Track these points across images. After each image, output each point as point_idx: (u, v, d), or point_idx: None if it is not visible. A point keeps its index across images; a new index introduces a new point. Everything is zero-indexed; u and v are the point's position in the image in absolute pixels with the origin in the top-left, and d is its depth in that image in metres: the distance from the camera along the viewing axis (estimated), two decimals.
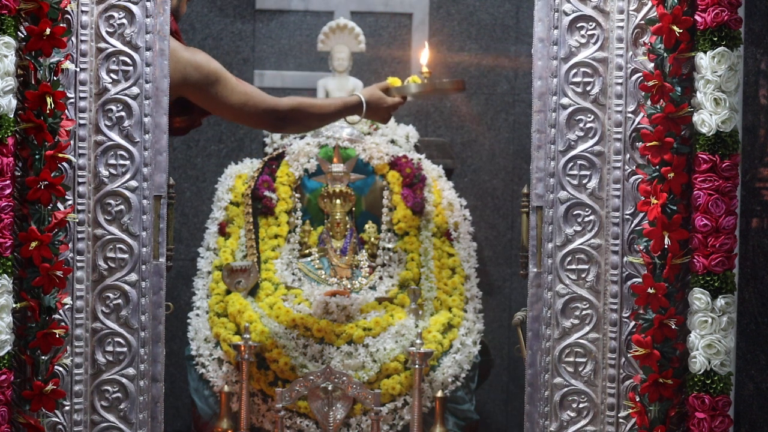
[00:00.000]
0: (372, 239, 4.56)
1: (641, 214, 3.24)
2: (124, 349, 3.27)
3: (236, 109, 3.74)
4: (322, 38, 4.96)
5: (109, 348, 3.27)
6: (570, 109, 3.28)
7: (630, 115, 3.27)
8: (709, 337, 3.15)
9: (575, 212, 3.29)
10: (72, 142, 3.22)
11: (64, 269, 3.16)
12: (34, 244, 3.11)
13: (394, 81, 4.34)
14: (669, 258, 3.18)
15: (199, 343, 4.24)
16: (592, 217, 3.29)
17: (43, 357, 3.15)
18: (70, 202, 3.21)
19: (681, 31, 3.15)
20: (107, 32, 3.25)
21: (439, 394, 4.12)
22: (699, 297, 3.15)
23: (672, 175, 3.17)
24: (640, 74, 3.22)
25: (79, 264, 3.24)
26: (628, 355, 3.26)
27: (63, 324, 3.20)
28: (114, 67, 3.25)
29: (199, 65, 3.68)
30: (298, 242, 4.55)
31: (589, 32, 3.28)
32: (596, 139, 3.28)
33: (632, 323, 3.25)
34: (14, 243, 3.10)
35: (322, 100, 4.10)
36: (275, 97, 3.86)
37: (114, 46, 3.25)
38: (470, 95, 5.40)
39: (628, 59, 3.26)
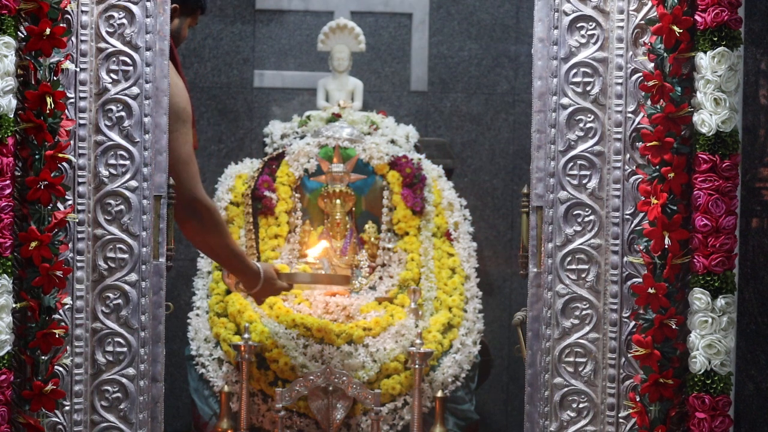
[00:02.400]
0: (372, 239, 4.56)
1: (641, 214, 3.24)
2: (124, 349, 3.27)
3: (175, 160, 3.52)
4: (322, 38, 4.97)
5: (109, 348, 3.27)
6: (570, 109, 3.28)
7: (630, 115, 3.27)
8: (709, 337, 3.15)
9: (575, 212, 3.29)
10: (72, 142, 3.22)
11: (64, 269, 3.15)
12: (34, 244, 3.11)
13: (283, 267, 4.29)
14: (669, 258, 3.17)
15: (199, 343, 4.24)
16: (592, 217, 3.29)
17: (43, 357, 3.15)
18: (70, 202, 3.21)
19: (681, 31, 3.15)
20: (107, 32, 3.25)
21: (439, 394, 4.12)
22: (699, 297, 3.15)
23: (672, 175, 3.17)
24: (640, 74, 3.22)
25: (79, 264, 3.24)
26: (628, 355, 3.26)
27: (63, 324, 3.20)
28: (114, 67, 3.25)
29: (180, 95, 3.59)
30: (298, 242, 4.55)
31: (589, 32, 3.28)
32: (596, 139, 3.28)
33: (632, 323, 3.25)
34: (14, 243, 3.10)
35: (232, 237, 3.92)
36: (203, 190, 3.70)
37: (114, 46, 3.25)
38: (470, 95, 5.40)
39: (628, 59, 3.26)
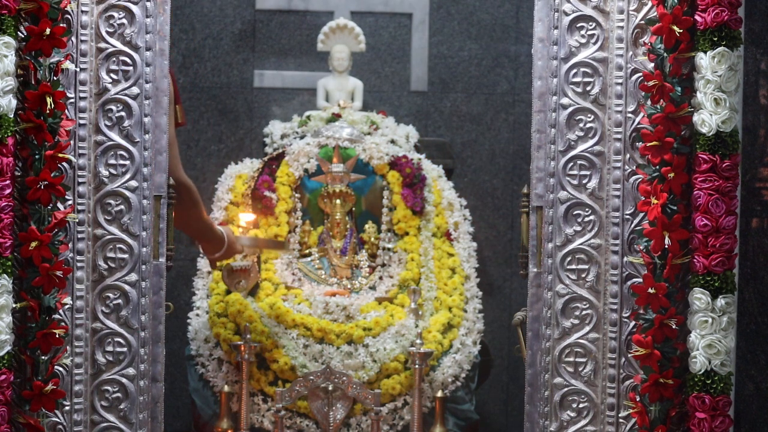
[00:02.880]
0: (372, 239, 4.56)
1: (641, 214, 3.24)
2: (124, 349, 3.27)
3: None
4: (322, 38, 4.97)
5: (109, 348, 3.27)
6: (570, 109, 3.28)
7: (630, 115, 3.27)
8: (709, 337, 3.15)
9: (575, 212, 3.29)
10: (72, 142, 3.22)
11: (64, 269, 3.15)
12: (34, 244, 3.11)
13: (235, 229, 4.37)
14: (669, 258, 3.17)
15: (199, 343, 4.24)
16: (592, 217, 3.29)
17: (43, 357, 3.15)
18: (70, 202, 3.21)
19: (681, 31, 3.15)
20: (107, 32, 3.25)
21: (439, 394, 4.12)
22: (699, 297, 3.15)
23: (672, 175, 3.17)
24: (640, 74, 3.22)
25: (79, 264, 3.24)
26: (629, 355, 3.26)
27: (63, 324, 3.19)
28: (114, 67, 3.25)
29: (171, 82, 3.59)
30: (298, 242, 4.55)
31: (589, 32, 3.28)
32: (596, 139, 3.28)
33: (632, 323, 3.25)
34: (14, 243, 3.10)
35: (204, 211, 4.02)
36: (182, 169, 3.80)
37: (114, 46, 3.25)
38: (470, 95, 5.40)
39: (628, 59, 3.26)
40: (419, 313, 4.28)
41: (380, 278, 4.49)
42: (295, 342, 4.13)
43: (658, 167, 3.18)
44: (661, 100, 3.17)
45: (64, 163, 3.19)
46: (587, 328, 3.30)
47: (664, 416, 3.21)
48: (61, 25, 3.16)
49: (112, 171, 3.25)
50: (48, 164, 3.13)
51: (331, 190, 4.48)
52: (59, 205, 3.17)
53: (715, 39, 3.12)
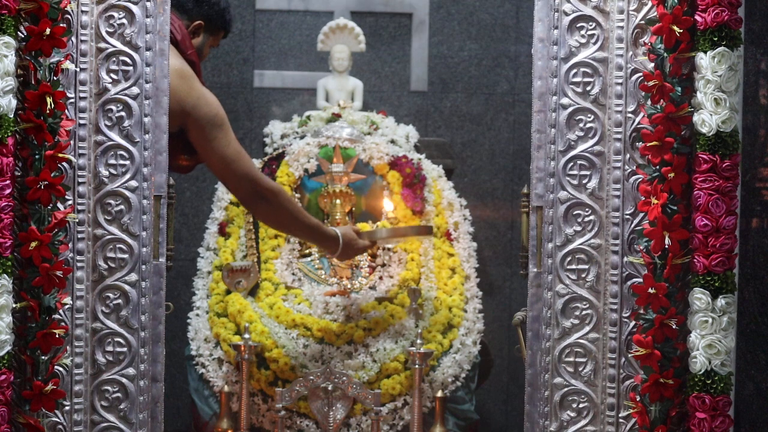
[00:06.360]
0: None
1: (641, 214, 3.24)
2: (124, 349, 3.27)
3: (226, 161, 3.70)
4: (322, 38, 4.96)
5: (109, 348, 3.27)
6: (570, 109, 3.28)
7: (630, 115, 3.27)
8: (709, 337, 3.15)
9: (575, 212, 3.29)
10: (72, 142, 3.22)
11: (64, 269, 3.15)
12: (34, 244, 3.11)
13: (363, 226, 4.39)
14: (669, 258, 3.17)
15: (199, 343, 4.24)
16: (592, 217, 3.29)
17: (43, 357, 3.15)
18: (70, 202, 3.21)
19: (681, 31, 3.15)
20: (107, 32, 3.25)
21: (439, 394, 4.12)
22: (699, 297, 3.15)
23: (672, 175, 3.17)
24: (640, 74, 3.22)
25: (79, 264, 3.24)
26: (629, 355, 3.26)
27: (63, 324, 3.20)
28: (114, 67, 3.25)
29: (210, 103, 3.70)
30: (298, 242, 4.55)
31: (589, 32, 3.28)
32: (596, 139, 3.28)
33: (632, 323, 3.25)
34: (14, 243, 3.10)
35: (304, 211, 4.04)
36: (263, 174, 3.85)
37: (114, 46, 3.25)
38: (470, 95, 5.40)
39: (628, 59, 3.26)
40: (419, 313, 4.28)
41: (380, 278, 4.48)
42: (295, 342, 4.13)
43: (658, 167, 3.18)
44: (661, 100, 3.18)
45: (64, 163, 3.19)
46: (587, 328, 3.30)
47: (664, 416, 3.21)
48: (61, 25, 3.16)
49: (112, 171, 3.25)
50: (48, 164, 3.13)
51: (331, 190, 4.48)
52: (59, 205, 3.17)
53: (715, 39, 3.12)
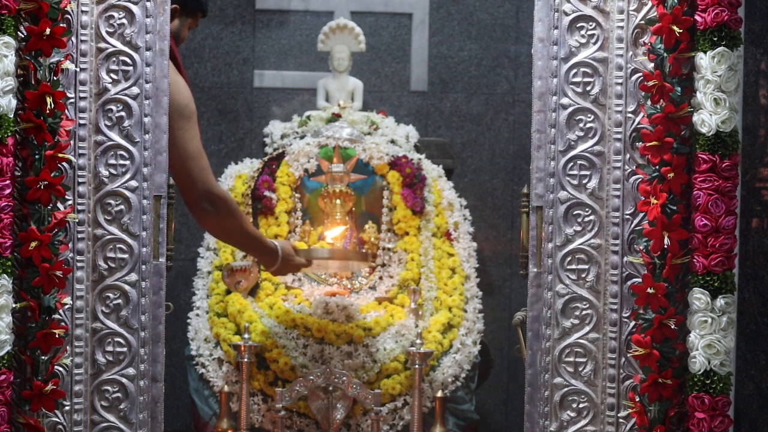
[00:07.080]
0: (372, 239, 4.56)
1: (641, 214, 3.24)
2: (124, 349, 3.27)
3: (185, 156, 3.60)
4: (322, 38, 4.97)
5: (109, 348, 3.27)
6: (570, 109, 3.28)
7: (630, 115, 3.27)
8: (708, 337, 3.15)
9: (575, 212, 3.29)
10: (72, 142, 3.22)
11: (64, 269, 3.15)
12: (34, 244, 3.11)
13: (300, 244, 4.34)
14: (669, 258, 3.17)
15: (199, 343, 4.24)
16: (592, 217, 3.29)
17: (43, 357, 3.15)
18: (70, 202, 3.21)
19: (681, 31, 3.15)
20: (107, 32, 3.25)
21: (439, 394, 4.12)
22: (699, 297, 3.15)
23: (672, 175, 3.17)
24: (640, 74, 3.22)
25: (79, 264, 3.24)
26: (628, 355, 3.26)
27: (63, 324, 3.20)
28: (114, 67, 3.25)
29: (181, 92, 3.60)
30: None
31: (589, 32, 3.28)
32: (596, 139, 3.28)
33: (632, 323, 3.25)
34: (14, 243, 3.10)
35: (249, 222, 3.99)
36: (216, 181, 3.76)
37: (114, 46, 3.25)
38: (470, 95, 5.40)
39: (628, 59, 3.26)
40: (419, 313, 4.28)
41: (380, 278, 4.49)
42: (295, 342, 4.13)
43: (657, 167, 3.18)
44: (661, 100, 3.18)
45: (64, 163, 3.19)
46: (587, 328, 3.30)
47: (664, 416, 3.21)
48: (61, 25, 3.16)
49: (112, 171, 3.25)
50: (48, 164, 3.13)
51: (331, 190, 4.48)
52: (59, 205, 3.17)
53: (715, 39, 3.12)
